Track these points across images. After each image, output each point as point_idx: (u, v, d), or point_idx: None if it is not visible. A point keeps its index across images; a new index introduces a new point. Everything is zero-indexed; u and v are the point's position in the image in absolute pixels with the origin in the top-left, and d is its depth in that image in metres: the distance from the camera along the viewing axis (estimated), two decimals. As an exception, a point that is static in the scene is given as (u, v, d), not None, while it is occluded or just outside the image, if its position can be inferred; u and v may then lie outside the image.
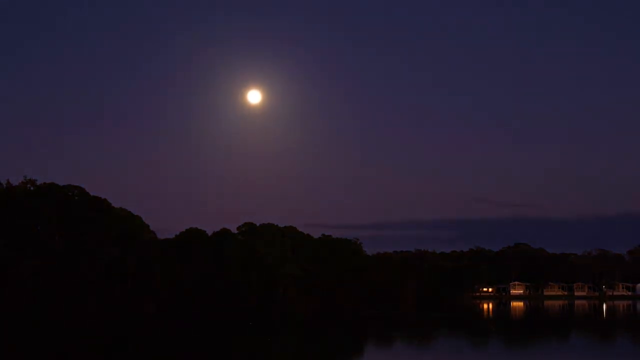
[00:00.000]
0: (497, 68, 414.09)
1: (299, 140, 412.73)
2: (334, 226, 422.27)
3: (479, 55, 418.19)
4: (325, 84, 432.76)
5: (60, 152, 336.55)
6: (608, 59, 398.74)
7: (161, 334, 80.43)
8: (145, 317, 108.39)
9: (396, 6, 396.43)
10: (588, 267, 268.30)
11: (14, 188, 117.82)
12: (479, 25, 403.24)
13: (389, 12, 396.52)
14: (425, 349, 66.23)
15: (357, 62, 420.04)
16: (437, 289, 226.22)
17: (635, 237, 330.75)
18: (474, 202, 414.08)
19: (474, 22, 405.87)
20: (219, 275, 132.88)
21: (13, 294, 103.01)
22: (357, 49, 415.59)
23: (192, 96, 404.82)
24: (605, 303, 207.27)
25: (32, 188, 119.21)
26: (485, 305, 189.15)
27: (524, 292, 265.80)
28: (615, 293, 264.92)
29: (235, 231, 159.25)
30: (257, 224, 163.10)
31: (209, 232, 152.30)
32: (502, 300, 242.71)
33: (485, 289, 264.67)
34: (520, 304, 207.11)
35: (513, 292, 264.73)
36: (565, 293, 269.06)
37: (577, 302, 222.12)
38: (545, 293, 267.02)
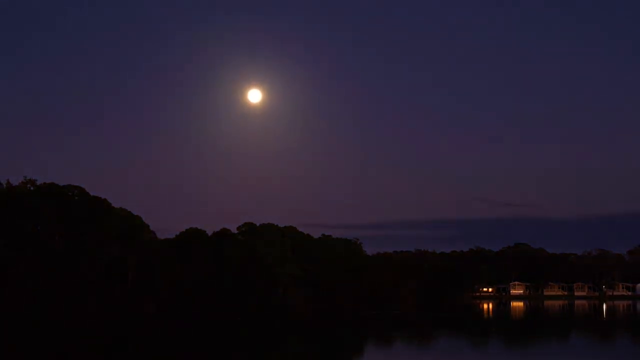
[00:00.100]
0: (497, 68, 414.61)
1: (299, 139, 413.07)
2: (334, 226, 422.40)
3: (479, 55, 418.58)
4: (326, 84, 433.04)
5: (60, 152, 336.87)
6: (608, 58, 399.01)
7: (161, 334, 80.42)
8: (145, 317, 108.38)
9: (396, 6, 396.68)
10: (588, 267, 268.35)
11: (14, 188, 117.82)
12: (479, 25, 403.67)
13: (389, 12, 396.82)
14: (425, 349, 66.22)
15: (358, 61, 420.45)
16: (437, 289, 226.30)
17: (635, 237, 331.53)
18: (473, 202, 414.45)
19: (474, 21, 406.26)
20: (219, 276, 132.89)
21: (13, 294, 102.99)
22: (357, 48, 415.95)
23: (192, 96, 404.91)
24: (605, 303, 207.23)
25: (32, 188, 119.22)
26: (485, 305, 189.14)
27: (524, 292, 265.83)
28: (615, 293, 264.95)
29: (235, 231, 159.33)
30: (257, 224, 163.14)
31: (209, 232, 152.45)
32: (502, 300, 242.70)
33: (485, 289, 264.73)
34: (520, 304, 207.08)
35: (513, 292, 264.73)
36: (565, 293, 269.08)
37: (577, 302, 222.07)
38: (545, 293, 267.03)
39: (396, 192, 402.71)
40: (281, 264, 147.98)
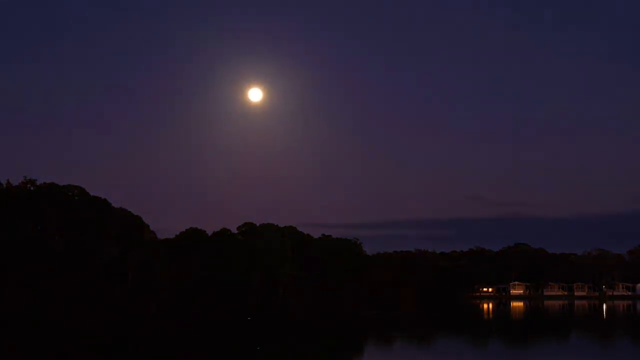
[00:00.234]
0: (497, 67, 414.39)
1: (299, 139, 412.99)
2: (334, 226, 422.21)
3: (479, 55, 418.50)
4: (326, 83, 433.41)
5: (60, 152, 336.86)
6: (608, 58, 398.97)
7: (161, 334, 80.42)
8: (145, 317, 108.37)
9: (397, 5, 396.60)
10: (588, 267, 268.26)
11: (14, 188, 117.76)
12: (479, 24, 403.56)
13: (390, 12, 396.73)
14: (425, 349, 66.23)
15: (358, 61, 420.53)
16: (437, 289, 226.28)
17: (635, 237, 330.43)
18: (474, 202, 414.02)
19: (475, 21, 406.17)
20: (218, 276, 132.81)
21: (13, 294, 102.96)
22: (358, 47, 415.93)
23: (192, 96, 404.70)
24: (605, 303, 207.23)
25: (32, 188, 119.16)
26: (485, 305, 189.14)
27: (524, 292, 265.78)
28: (615, 293, 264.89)
29: (235, 231, 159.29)
30: (257, 224, 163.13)
31: (209, 232, 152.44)
32: (502, 300, 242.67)
33: (485, 289, 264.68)
34: (520, 304, 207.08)
35: (513, 292, 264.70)
36: (565, 293, 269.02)
37: (577, 302, 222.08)
38: (545, 293, 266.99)
39: (396, 192, 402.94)
40: (281, 264, 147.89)
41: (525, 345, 71.07)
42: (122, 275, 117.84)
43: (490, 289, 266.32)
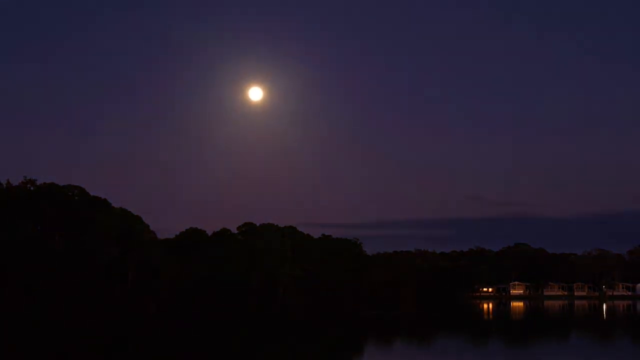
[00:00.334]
0: (496, 67, 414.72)
1: (299, 139, 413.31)
2: (334, 226, 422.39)
3: (479, 55, 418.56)
4: (326, 83, 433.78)
5: (60, 152, 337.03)
6: (606, 58, 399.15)
7: (161, 334, 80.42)
8: (145, 317, 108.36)
9: (397, 5, 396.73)
10: (588, 267, 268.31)
11: (14, 188, 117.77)
12: (479, 25, 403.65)
13: (390, 11, 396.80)
14: (425, 349, 66.23)
15: (359, 60, 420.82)
16: (437, 289, 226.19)
17: (635, 237, 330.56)
18: (474, 202, 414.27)
19: (475, 21, 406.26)
20: (219, 275, 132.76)
21: (13, 294, 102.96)
22: (358, 47, 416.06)
23: (192, 96, 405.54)
24: (605, 303, 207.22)
25: (32, 188, 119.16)
26: (485, 305, 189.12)
27: (524, 292, 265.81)
28: (615, 293, 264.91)
29: (235, 231, 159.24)
30: (257, 224, 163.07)
31: (209, 232, 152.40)
32: (502, 300, 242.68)
33: (485, 289, 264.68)
34: (520, 304, 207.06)
35: (513, 292, 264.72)
36: (565, 293, 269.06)
37: (577, 302, 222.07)
38: (545, 293, 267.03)
39: (396, 192, 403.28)
40: (281, 264, 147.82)
41: (525, 345, 71.06)
42: (122, 275, 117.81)
43: (490, 289, 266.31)
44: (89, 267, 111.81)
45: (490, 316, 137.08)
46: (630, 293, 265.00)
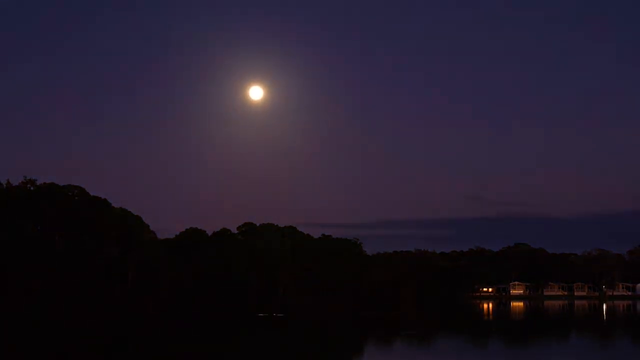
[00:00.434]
0: (497, 67, 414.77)
1: (300, 138, 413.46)
2: (334, 226, 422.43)
3: (480, 55, 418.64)
4: (327, 82, 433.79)
5: (60, 152, 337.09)
6: (608, 58, 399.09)
7: (161, 334, 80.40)
8: (145, 317, 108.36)
9: (398, 5, 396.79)
10: (588, 267, 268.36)
11: (14, 188, 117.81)
12: (479, 25, 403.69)
13: (391, 10, 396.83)
14: (425, 349, 66.20)
15: (359, 59, 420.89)
16: (437, 289, 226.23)
17: (635, 237, 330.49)
18: (474, 202, 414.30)
19: (475, 21, 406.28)
20: (219, 275, 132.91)
21: (13, 294, 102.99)
22: (359, 46, 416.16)
23: (193, 95, 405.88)
24: (605, 303, 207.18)
25: (32, 188, 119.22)
26: (485, 305, 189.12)
27: (524, 292, 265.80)
28: (615, 293, 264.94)
29: (235, 231, 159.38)
30: (257, 224, 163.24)
31: (209, 232, 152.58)
32: (502, 300, 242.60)
33: (485, 289, 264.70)
34: (520, 304, 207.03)
35: (513, 292, 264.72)
36: (565, 293, 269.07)
37: (577, 302, 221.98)
38: (545, 293, 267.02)
39: (396, 192, 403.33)
40: (281, 264, 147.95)
41: (525, 345, 71.03)
42: (122, 275, 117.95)
43: (490, 289, 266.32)
44: (89, 267, 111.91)
45: (490, 316, 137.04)
46: (630, 293, 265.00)
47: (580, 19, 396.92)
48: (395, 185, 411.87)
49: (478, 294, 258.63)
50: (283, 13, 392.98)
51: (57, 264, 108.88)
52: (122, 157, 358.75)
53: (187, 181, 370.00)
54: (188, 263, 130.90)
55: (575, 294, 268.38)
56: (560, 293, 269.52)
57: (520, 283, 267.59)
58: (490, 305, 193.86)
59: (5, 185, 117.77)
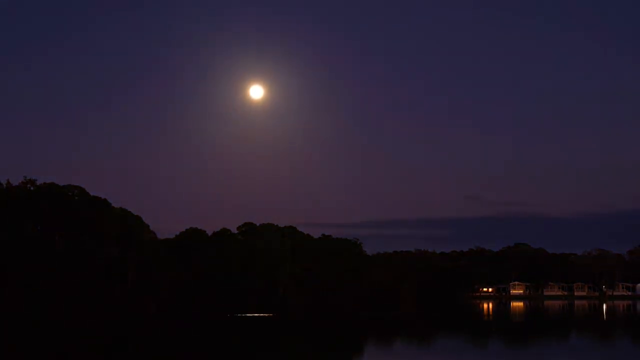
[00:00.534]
0: (496, 67, 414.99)
1: (300, 138, 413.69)
2: (334, 226, 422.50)
3: (480, 55, 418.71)
4: (327, 81, 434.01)
5: (60, 152, 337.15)
6: (607, 57, 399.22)
7: (161, 334, 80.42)
8: (145, 317, 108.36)
9: (399, 4, 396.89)
10: (588, 267, 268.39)
11: (14, 188, 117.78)
12: (479, 25, 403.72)
13: (392, 10, 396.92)
14: (425, 349, 66.22)
15: (360, 59, 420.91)
16: (437, 289, 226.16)
17: (635, 237, 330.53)
18: (474, 202, 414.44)
19: (476, 21, 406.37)
20: (219, 275, 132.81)
21: (13, 294, 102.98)
22: (359, 45, 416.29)
23: (193, 95, 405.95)
24: (605, 303, 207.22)
25: (32, 188, 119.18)
26: (485, 305, 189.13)
27: (524, 292, 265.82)
28: (615, 293, 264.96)
29: (235, 231, 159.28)
30: (257, 224, 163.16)
31: (209, 232, 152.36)
32: (502, 300, 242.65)
33: (485, 289, 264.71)
34: (520, 304, 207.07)
35: (513, 292, 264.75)
36: (565, 293, 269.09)
37: (577, 302, 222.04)
38: (545, 293, 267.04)
39: (396, 192, 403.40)
40: (281, 264, 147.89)
41: (525, 345, 71.05)
42: (122, 275, 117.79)
43: (490, 289, 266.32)
44: (89, 267, 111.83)
45: (490, 316, 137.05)
46: (630, 293, 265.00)
47: (579, 20, 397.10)
48: (395, 185, 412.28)
49: (478, 294, 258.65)
50: (283, 13, 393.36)
51: (57, 264, 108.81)
52: (122, 157, 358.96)
53: (187, 181, 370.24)
54: (188, 263, 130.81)
55: (575, 294, 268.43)
56: (560, 293, 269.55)
57: (520, 283, 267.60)
58: (490, 305, 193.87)
59: (5, 185, 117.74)
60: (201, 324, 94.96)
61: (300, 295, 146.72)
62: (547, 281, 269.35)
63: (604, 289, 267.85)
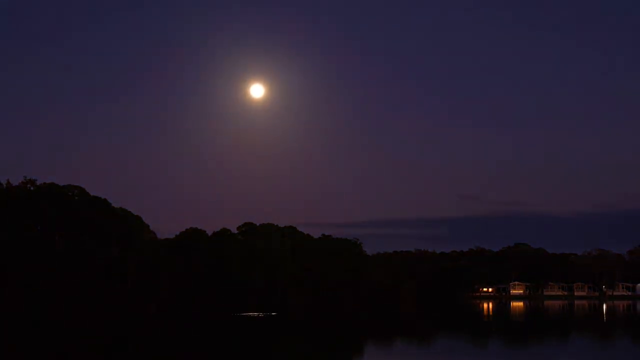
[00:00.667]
0: (494, 66, 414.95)
1: (300, 138, 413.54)
2: (334, 226, 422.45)
3: (479, 55, 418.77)
4: (327, 80, 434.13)
5: (60, 152, 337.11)
6: (604, 55, 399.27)
7: (161, 334, 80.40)
8: (145, 317, 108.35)
9: (399, 4, 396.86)
10: (588, 267, 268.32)
11: (14, 188, 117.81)
12: (480, 25, 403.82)
13: (392, 10, 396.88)
14: (425, 349, 66.19)
15: (360, 58, 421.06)
16: (437, 289, 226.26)
17: (635, 237, 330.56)
18: (473, 201, 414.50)
19: (476, 21, 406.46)
20: (219, 276, 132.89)
21: (13, 294, 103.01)
22: (360, 44, 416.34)
23: (193, 95, 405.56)
24: (605, 303, 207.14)
25: (32, 188, 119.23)
26: (485, 305, 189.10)
27: (524, 292, 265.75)
28: (615, 293, 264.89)
29: (235, 231, 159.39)
30: (257, 224, 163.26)
31: (209, 232, 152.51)
32: (502, 300, 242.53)
33: (485, 289, 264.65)
34: (520, 304, 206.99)
35: (513, 292, 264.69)
36: (565, 293, 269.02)
37: (577, 302, 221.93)
38: (545, 293, 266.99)
39: (396, 192, 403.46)
40: (281, 264, 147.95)
41: (525, 345, 71.01)
42: (122, 275, 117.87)
43: (490, 289, 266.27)
44: (89, 267, 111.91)
45: (490, 316, 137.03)
46: (630, 293, 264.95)
47: (579, 20, 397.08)
48: (395, 185, 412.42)
49: (478, 294, 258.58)
50: (284, 12, 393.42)
51: (57, 264, 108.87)
52: (122, 157, 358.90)
53: (187, 181, 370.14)
54: (188, 263, 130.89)
55: (575, 294, 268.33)
56: (560, 293, 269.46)
57: (520, 283, 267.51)
58: (490, 305, 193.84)
59: (5, 185, 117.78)
60: (201, 324, 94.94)
61: (300, 295, 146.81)
62: (547, 281, 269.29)
63: (604, 289, 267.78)
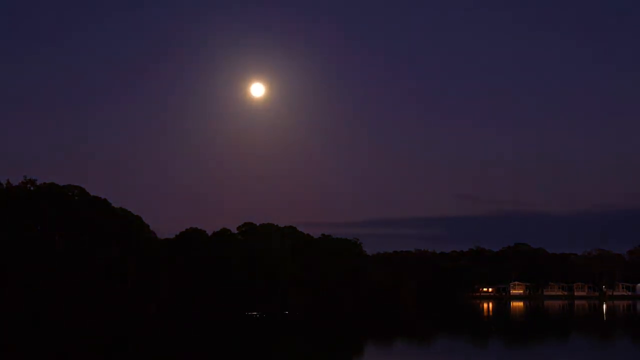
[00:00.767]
0: (493, 65, 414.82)
1: (301, 137, 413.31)
2: (334, 226, 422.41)
3: (479, 55, 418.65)
4: (327, 79, 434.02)
5: (60, 152, 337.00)
6: (604, 54, 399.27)
7: (161, 334, 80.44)
8: (145, 317, 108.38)
9: (399, 3, 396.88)
10: (588, 267, 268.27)
11: (14, 188, 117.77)
12: (480, 25, 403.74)
13: (392, 9, 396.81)
14: (425, 349, 66.23)
15: (360, 59, 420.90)
16: (437, 289, 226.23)
17: (635, 237, 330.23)
18: (473, 201, 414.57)
19: (475, 21, 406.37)
20: (218, 276, 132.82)
21: (13, 294, 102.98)
22: (360, 43, 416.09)
23: (193, 94, 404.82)
24: (605, 303, 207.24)
25: (32, 188, 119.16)
26: (485, 305, 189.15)
27: (524, 292, 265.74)
28: (615, 293, 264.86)
29: (235, 231, 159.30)
30: (257, 224, 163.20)
31: (209, 232, 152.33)
32: (502, 300, 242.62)
33: (485, 289, 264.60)
34: (520, 304, 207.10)
35: (513, 292, 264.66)
36: (565, 293, 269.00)
37: (577, 302, 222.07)
38: (545, 293, 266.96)
39: (396, 192, 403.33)
40: (281, 264, 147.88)
41: (525, 345, 71.07)
42: (122, 275, 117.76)
43: (490, 289, 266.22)
44: (89, 267, 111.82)
45: (490, 316, 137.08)
46: (630, 293, 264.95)
47: (579, 20, 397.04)
48: (395, 185, 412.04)
49: (478, 294, 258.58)
50: (284, 12, 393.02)
51: (57, 264, 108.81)
52: (122, 157, 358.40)
53: (187, 181, 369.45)
54: (188, 263, 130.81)
55: (575, 294, 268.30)
56: (560, 293, 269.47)
57: (520, 283, 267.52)
58: (490, 305, 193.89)
59: (5, 185, 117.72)
60: (201, 324, 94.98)
61: (300, 295, 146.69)
62: (547, 281, 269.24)
63: (604, 289, 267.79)
